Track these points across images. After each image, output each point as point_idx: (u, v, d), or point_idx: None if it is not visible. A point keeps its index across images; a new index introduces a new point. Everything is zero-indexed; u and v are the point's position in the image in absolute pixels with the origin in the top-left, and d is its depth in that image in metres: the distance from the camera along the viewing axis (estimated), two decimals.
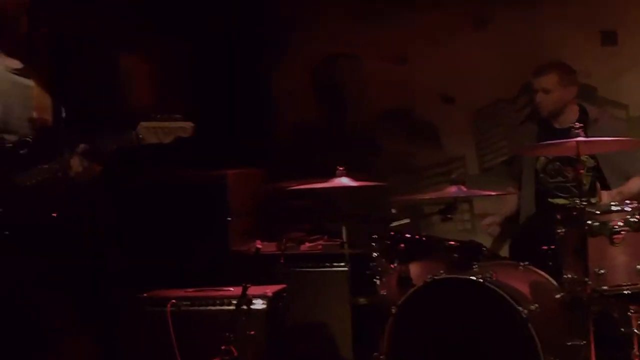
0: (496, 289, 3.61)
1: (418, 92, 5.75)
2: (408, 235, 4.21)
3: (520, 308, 3.53)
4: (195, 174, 5.08)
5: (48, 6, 3.22)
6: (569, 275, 3.61)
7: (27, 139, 3.09)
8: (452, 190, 4.16)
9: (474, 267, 3.90)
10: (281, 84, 6.00)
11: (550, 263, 3.93)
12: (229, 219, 4.99)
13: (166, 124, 3.00)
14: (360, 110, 5.89)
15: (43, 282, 3.01)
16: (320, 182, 4.40)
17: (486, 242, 4.82)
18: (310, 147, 5.84)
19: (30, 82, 3.10)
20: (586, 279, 3.48)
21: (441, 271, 3.86)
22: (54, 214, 3.06)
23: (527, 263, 3.98)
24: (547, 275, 3.90)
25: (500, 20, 5.54)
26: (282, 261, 4.55)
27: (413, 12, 5.66)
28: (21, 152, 3.08)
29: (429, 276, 3.79)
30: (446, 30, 5.64)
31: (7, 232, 2.93)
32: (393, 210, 4.41)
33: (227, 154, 5.24)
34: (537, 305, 3.65)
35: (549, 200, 4.84)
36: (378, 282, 4.09)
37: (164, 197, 4.94)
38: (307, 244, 4.98)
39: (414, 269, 4.07)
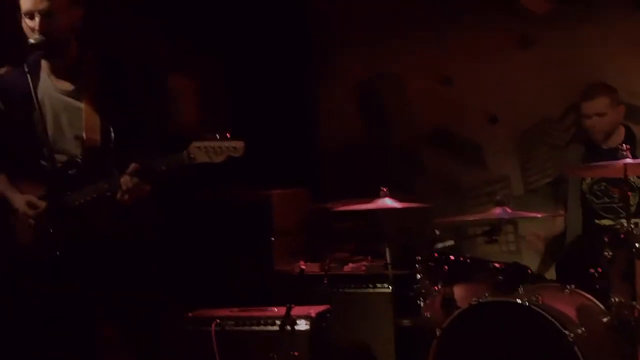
0: (542, 312, 3.57)
1: (462, 111, 5.73)
2: (452, 257, 4.18)
3: (566, 332, 3.48)
4: (241, 194, 5.12)
5: (97, 30, 3.28)
6: (617, 299, 3.56)
7: (77, 159, 3.15)
8: (497, 211, 4.13)
9: (519, 289, 3.85)
10: (327, 103, 6.03)
11: (597, 286, 3.87)
12: (273, 238, 5.02)
13: (217, 143, 3.00)
14: (405, 129, 5.88)
15: (92, 300, 3.05)
16: (364, 203, 4.40)
17: (531, 263, 4.77)
18: (355, 167, 5.85)
19: (80, 104, 3.15)
20: (634, 302, 3.43)
21: (486, 294, 3.83)
22: (103, 233, 3.11)
23: (573, 286, 3.92)
24: (594, 299, 3.84)
25: (544, 40, 5.51)
26: (325, 282, 4.55)
27: (458, 32, 5.65)
28: (70, 172, 3.13)
29: (473, 299, 3.76)
30: (491, 50, 5.62)
31: (57, 252, 2.98)
32: (437, 232, 4.40)
33: (272, 174, 5.27)
34: (583, 329, 3.60)
35: (596, 221, 4.78)
36: (422, 303, 4.07)
37: (210, 216, 4.99)
38: (351, 265, 4.98)
39: (458, 291, 4.04)
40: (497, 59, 5.60)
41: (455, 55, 5.71)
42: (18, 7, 3.08)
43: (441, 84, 5.78)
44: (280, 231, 5.08)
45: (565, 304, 3.80)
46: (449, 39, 5.69)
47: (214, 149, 3.01)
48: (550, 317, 3.54)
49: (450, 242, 4.32)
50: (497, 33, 5.61)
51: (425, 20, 5.77)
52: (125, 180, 3.02)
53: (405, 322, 4.37)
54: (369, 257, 5.05)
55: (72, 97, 3.17)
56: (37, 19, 3.03)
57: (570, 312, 3.75)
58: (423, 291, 4.08)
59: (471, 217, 4.65)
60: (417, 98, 5.84)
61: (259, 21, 5.73)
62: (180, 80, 5.35)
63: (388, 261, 4.47)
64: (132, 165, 3.02)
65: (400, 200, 4.38)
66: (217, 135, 3.03)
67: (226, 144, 3.01)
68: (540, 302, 3.66)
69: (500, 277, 4.04)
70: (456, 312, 3.79)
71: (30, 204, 3.12)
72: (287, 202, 5.23)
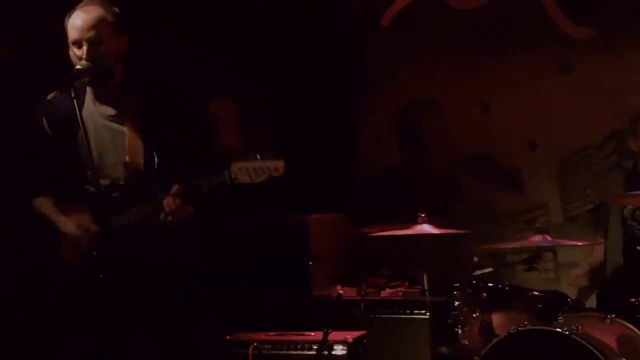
0: (583, 341, 3.53)
1: (501, 138, 5.71)
2: (491, 284, 4.15)
3: None
4: (279, 218, 5.14)
5: (141, 55, 3.34)
6: None
7: (120, 182, 3.19)
8: (537, 239, 4.09)
9: (559, 318, 3.81)
10: (366, 128, 6.05)
11: (639, 316, 3.82)
12: (311, 263, 5.03)
13: (258, 163, 3.00)
14: (444, 155, 5.88)
15: (133, 322, 3.08)
16: (402, 229, 4.40)
17: (571, 292, 4.71)
18: (393, 193, 5.85)
19: (123, 128, 3.20)
20: None
21: (525, 322, 3.79)
22: (146, 255, 3.15)
23: (614, 315, 3.87)
24: (635, 329, 3.79)
25: (585, 66, 5.49)
26: (362, 307, 4.54)
27: (497, 59, 5.66)
28: (114, 195, 3.18)
29: (513, 327, 3.72)
30: (531, 75, 5.61)
31: (101, 275, 3.01)
32: (475, 259, 4.37)
33: (311, 199, 5.29)
34: (624, 359, 3.54)
35: (637, 248, 4.72)
36: (460, 331, 4.04)
37: (249, 239, 5.02)
38: (388, 290, 4.97)
39: (497, 318, 4.00)
40: (537, 84, 5.59)
41: (494, 81, 5.71)
42: (65, 35, 3.15)
43: (480, 110, 5.78)
44: (317, 256, 5.09)
45: (605, 333, 3.74)
46: (488, 65, 5.69)
47: (255, 169, 3.00)
48: (590, 347, 3.50)
49: (489, 269, 4.29)
50: (537, 59, 5.60)
51: (464, 47, 5.79)
52: (168, 202, 3.04)
53: (443, 349, 4.34)
54: (406, 283, 5.04)
55: (116, 122, 3.22)
56: (84, 48, 3.10)
57: (611, 342, 3.70)
58: (461, 318, 4.06)
59: (510, 245, 4.62)
60: (456, 124, 5.83)
61: (301, 48, 5.80)
62: (222, 104, 5.42)
63: (426, 287, 4.45)
64: (175, 187, 3.04)
65: (438, 226, 4.36)
66: (257, 155, 3.04)
67: (267, 164, 3.00)
68: (580, 331, 3.61)
69: (540, 305, 4.00)
70: (494, 341, 3.76)
71: (80, 227, 3.17)
72: (325, 227, 5.24)
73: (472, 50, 5.75)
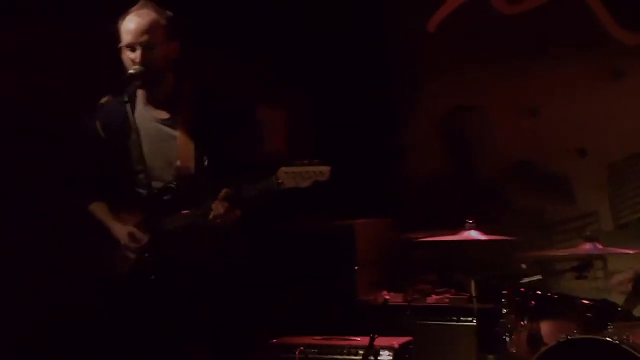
0: (633, 351, 3.48)
1: (549, 144, 5.65)
2: (539, 292, 4.10)
3: None
4: (325, 223, 5.15)
5: (193, 61, 3.38)
6: None
7: (171, 185, 3.23)
8: (587, 247, 4.04)
9: (608, 327, 3.76)
10: (410, 134, 6.04)
11: None
12: (356, 268, 5.03)
13: (304, 168, 3.03)
14: (490, 162, 5.83)
15: (182, 325, 3.11)
16: (449, 235, 4.38)
17: (621, 301, 4.64)
18: (439, 198, 5.82)
19: (175, 132, 3.24)
20: None
21: (574, 331, 3.75)
22: (195, 258, 3.18)
23: None
24: None
25: (634, 72, 5.40)
26: (408, 313, 4.53)
27: (545, 64, 5.60)
28: (165, 198, 3.22)
29: (561, 335, 3.69)
30: (579, 81, 5.54)
31: (152, 276, 3.06)
32: (523, 266, 4.34)
33: (356, 204, 5.30)
34: None
35: None
36: (507, 339, 4.00)
37: (295, 244, 5.04)
38: (434, 297, 4.95)
39: (545, 327, 3.96)
40: (586, 90, 5.52)
41: (542, 88, 5.65)
42: (119, 38, 3.20)
43: (527, 117, 5.72)
44: (363, 261, 5.09)
45: None
46: (536, 71, 5.64)
47: (301, 173, 3.04)
48: None
49: (537, 277, 4.25)
50: (585, 64, 5.53)
51: (511, 52, 5.74)
52: (217, 206, 3.08)
53: (490, 357, 4.31)
54: (453, 290, 5.01)
55: (168, 126, 3.26)
56: (137, 51, 3.14)
57: None
58: (509, 326, 4.02)
59: (559, 252, 4.57)
60: (502, 130, 5.78)
61: (347, 54, 5.81)
62: (269, 110, 5.46)
63: (473, 294, 4.42)
64: (224, 191, 3.08)
65: (486, 232, 4.34)
66: (304, 160, 3.06)
67: (312, 168, 3.04)
68: (631, 340, 3.56)
69: (589, 314, 3.94)
70: (543, 349, 3.72)
71: (132, 237, 3.22)
72: (370, 232, 5.24)
73: (519, 55, 5.70)
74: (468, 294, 4.60)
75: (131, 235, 3.21)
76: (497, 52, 5.79)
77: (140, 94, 3.29)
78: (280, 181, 3.05)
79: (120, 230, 3.25)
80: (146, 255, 3.17)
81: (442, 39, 5.97)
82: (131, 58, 3.16)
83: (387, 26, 6.10)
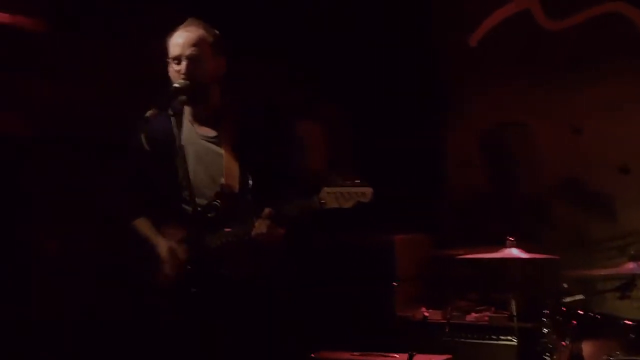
0: None
1: (593, 162, 5.58)
2: (581, 312, 4.06)
3: None
4: (364, 238, 5.15)
5: (238, 78, 3.41)
6: None
7: (216, 203, 3.26)
8: (630, 266, 4.00)
9: None
10: (451, 150, 6.01)
11: None
12: (395, 284, 5.02)
13: (347, 189, 3.06)
14: (532, 179, 5.78)
15: (224, 338, 3.13)
16: (490, 252, 4.35)
17: None
18: (480, 215, 5.79)
19: (220, 150, 3.27)
20: None
21: (617, 352, 3.70)
22: (237, 274, 3.20)
23: None
24: None
25: None
26: (447, 330, 4.50)
27: (590, 81, 5.54)
28: (209, 215, 3.25)
29: (603, 356, 3.65)
30: (625, 99, 5.47)
31: (194, 290, 3.08)
32: (565, 285, 4.29)
33: (396, 219, 5.28)
34: None
35: None
36: (548, 359, 3.96)
37: (334, 259, 5.04)
38: (474, 314, 4.91)
39: (587, 347, 3.92)
40: (632, 108, 5.45)
41: (586, 105, 5.59)
42: (166, 53, 3.25)
43: (571, 133, 5.66)
44: (402, 277, 5.08)
45: None
46: (581, 88, 5.58)
47: (344, 194, 3.07)
48: None
49: (580, 296, 4.21)
50: (631, 82, 5.46)
51: (555, 68, 5.70)
52: (260, 225, 3.10)
53: None
54: (493, 308, 4.97)
55: (213, 143, 3.29)
56: (183, 64, 3.19)
57: None
58: (550, 346, 3.99)
59: (602, 272, 4.51)
60: (545, 147, 5.73)
61: (388, 69, 5.81)
62: (309, 127, 5.48)
63: (513, 313, 4.39)
64: (267, 210, 3.10)
65: (527, 250, 4.30)
66: (346, 179, 3.08)
67: (355, 189, 3.07)
68: None
69: (632, 335, 3.89)
70: None
71: (172, 252, 3.24)
72: (410, 248, 5.23)
73: (563, 72, 5.65)
74: (508, 313, 4.56)
75: (171, 251, 3.23)
76: (541, 69, 5.75)
77: (187, 111, 3.33)
78: (323, 201, 3.09)
79: (162, 247, 3.28)
80: (188, 267, 3.20)
81: (486, 54, 5.95)
82: (177, 70, 3.21)
83: (431, 41, 6.10)
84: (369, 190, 3.08)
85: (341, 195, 3.07)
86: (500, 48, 5.90)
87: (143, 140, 3.36)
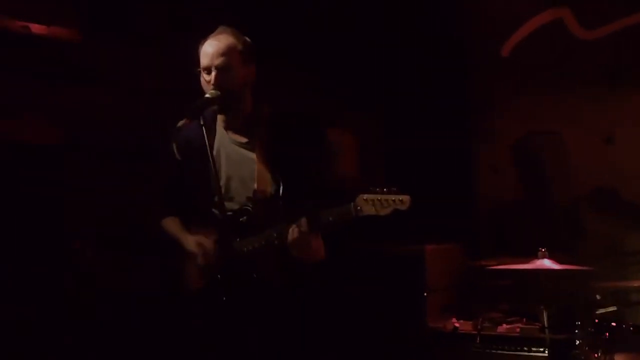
0: None
1: (626, 172, 5.52)
2: (614, 324, 4.02)
3: None
4: (394, 248, 5.14)
5: (269, 85, 3.43)
6: None
7: (247, 207, 3.27)
8: None
9: None
10: (483, 159, 5.99)
11: None
12: (426, 294, 5.00)
13: (384, 196, 2.99)
14: (564, 189, 5.73)
15: (255, 345, 3.14)
16: (521, 263, 4.32)
17: None
18: (512, 226, 5.75)
19: (253, 156, 3.28)
20: None
21: None
22: (269, 280, 3.21)
23: None
24: None
25: None
26: (478, 341, 4.47)
27: (623, 90, 5.49)
28: (241, 219, 3.26)
29: None
30: None
31: (224, 297, 3.09)
32: (597, 297, 4.25)
33: (428, 228, 5.26)
34: None
35: None
36: None
37: (363, 268, 5.04)
38: (505, 326, 4.86)
39: None
40: None
41: (619, 114, 5.54)
42: (198, 63, 3.27)
43: (604, 143, 5.61)
44: (433, 287, 5.05)
45: None
46: (614, 97, 5.54)
47: (381, 201, 2.99)
48: None
49: (612, 308, 4.16)
50: None
51: (588, 77, 5.65)
52: (294, 231, 3.09)
53: None
54: (524, 319, 4.92)
55: (245, 149, 3.31)
56: (213, 74, 3.21)
57: None
58: (582, 358, 3.95)
59: (636, 283, 4.46)
60: (578, 157, 5.68)
61: (420, 78, 5.81)
62: (340, 134, 5.49)
63: (545, 324, 4.34)
64: (303, 219, 3.08)
65: (559, 261, 4.26)
66: (384, 188, 3.03)
67: (393, 197, 2.99)
68: None
69: None
70: None
71: (199, 244, 3.26)
72: (440, 258, 5.20)
73: (596, 81, 5.61)
74: (540, 324, 4.52)
75: (200, 245, 3.25)
76: (573, 78, 5.71)
77: (219, 118, 3.35)
78: (359, 208, 3.00)
79: (189, 240, 3.30)
80: (219, 275, 3.21)
81: (518, 64, 5.92)
82: (207, 80, 3.23)
83: (463, 50, 6.09)
84: (406, 198, 2.99)
85: (378, 202, 2.99)
86: (532, 57, 5.87)
87: (175, 149, 3.39)
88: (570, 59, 5.72)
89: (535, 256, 4.32)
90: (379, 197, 2.99)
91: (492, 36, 6.03)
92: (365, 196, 2.99)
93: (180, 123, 3.19)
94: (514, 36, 5.94)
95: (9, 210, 4.23)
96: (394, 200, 2.98)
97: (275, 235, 3.14)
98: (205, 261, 3.24)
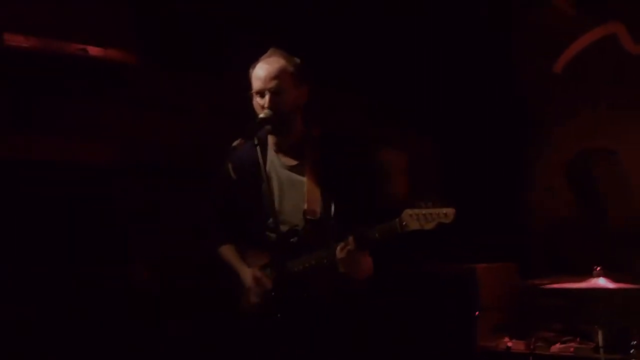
0: None
1: None
2: None
3: None
4: (446, 266, 5.12)
5: (319, 106, 3.46)
6: None
7: (298, 228, 3.30)
8: None
9: None
10: (536, 178, 5.94)
11: None
12: (478, 313, 4.97)
13: (428, 210, 3.01)
14: (620, 207, 5.65)
15: None
16: (576, 282, 4.26)
17: None
18: (566, 244, 5.68)
19: (302, 178, 3.31)
20: None
21: None
22: (320, 299, 3.23)
23: None
24: None
25: None
26: None
27: None
28: (291, 240, 3.30)
29: None
30: None
31: (279, 314, 3.12)
32: None
33: (481, 247, 5.24)
34: None
35: None
36: None
37: (414, 286, 5.03)
38: (558, 345, 4.81)
39: None
40: None
41: None
42: (250, 86, 3.33)
43: None
44: (485, 306, 5.02)
45: None
46: None
47: (425, 215, 3.01)
48: None
49: None
50: None
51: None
52: (342, 250, 3.12)
53: None
54: (578, 339, 4.86)
55: (296, 172, 3.34)
56: (266, 97, 3.25)
57: None
58: None
59: None
60: (634, 175, 5.61)
61: (471, 97, 5.80)
62: (391, 154, 5.50)
63: (600, 344, 4.28)
64: (350, 237, 3.11)
65: (614, 280, 4.20)
66: (428, 202, 3.04)
67: (437, 210, 3.01)
68: None
69: None
70: None
71: (257, 281, 3.30)
72: (493, 277, 5.17)
73: None
74: (594, 344, 4.45)
75: (257, 280, 3.29)
76: (628, 94, 5.64)
77: (270, 140, 3.39)
78: (404, 223, 3.04)
79: (247, 274, 3.34)
80: (272, 293, 3.25)
81: (572, 80, 5.87)
82: (260, 104, 3.27)
83: (515, 68, 6.06)
84: (451, 211, 3.00)
85: (423, 217, 3.01)
86: (586, 74, 5.82)
87: (230, 169, 3.44)
88: (625, 75, 5.66)
89: (590, 275, 4.26)
90: (423, 211, 3.01)
91: (545, 53, 5.99)
92: (411, 211, 3.03)
93: (235, 143, 3.24)
94: (566, 53, 5.89)
95: (68, 230, 4.33)
96: (438, 214, 3.00)
97: (324, 254, 3.17)
98: (259, 298, 3.28)
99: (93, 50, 4.57)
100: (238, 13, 5.04)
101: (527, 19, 6.09)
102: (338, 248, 3.13)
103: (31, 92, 4.30)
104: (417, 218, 3.02)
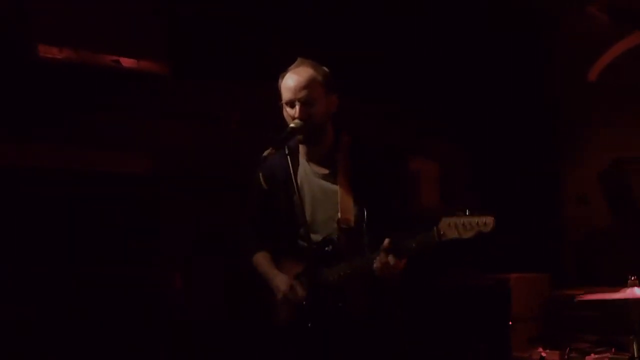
0: None
1: None
2: None
3: None
4: (478, 277, 5.09)
5: (349, 115, 3.45)
6: None
7: (333, 237, 3.28)
8: None
9: None
10: (570, 188, 5.88)
11: None
12: (511, 323, 4.92)
13: (467, 218, 2.91)
14: None
15: None
16: (610, 292, 4.21)
17: None
18: (600, 254, 5.62)
19: (335, 187, 3.28)
20: None
21: None
22: (355, 309, 3.22)
23: None
24: None
25: None
26: None
27: None
28: (326, 249, 3.28)
29: None
30: None
31: (309, 324, 3.11)
32: None
33: (514, 257, 5.20)
34: None
35: None
36: None
37: (447, 296, 5.00)
38: (593, 356, 4.74)
39: None
40: None
41: None
42: (279, 96, 3.33)
43: None
44: (518, 316, 4.97)
45: None
46: None
47: (464, 224, 2.91)
48: None
49: None
50: None
51: None
52: (380, 259, 3.09)
53: None
54: (613, 349, 4.79)
55: (328, 181, 3.32)
56: (297, 107, 3.24)
57: None
58: None
59: None
60: None
61: (504, 106, 5.76)
62: (423, 163, 5.48)
63: (635, 354, 4.22)
64: (387, 241, 3.07)
65: None
66: (466, 211, 2.95)
67: (476, 219, 2.90)
68: None
69: None
70: None
71: (292, 290, 3.28)
72: (526, 287, 5.13)
73: None
74: (629, 354, 4.39)
75: (292, 289, 3.29)
76: None
77: (302, 150, 3.38)
78: (442, 232, 2.94)
79: (282, 283, 3.33)
80: (304, 302, 3.24)
81: (606, 89, 5.82)
82: (291, 114, 3.26)
83: (549, 76, 6.02)
84: (490, 220, 2.88)
85: (461, 225, 2.90)
86: (620, 82, 5.76)
87: (261, 178, 3.44)
88: None
89: (625, 285, 4.21)
90: (462, 220, 2.91)
91: (578, 62, 5.95)
92: (448, 220, 2.93)
93: (266, 152, 3.24)
94: (600, 61, 5.84)
95: (105, 238, 4.37)
96: (477, 223, 2.89)
97: (360, 264, 3.15)
98: (294, 307, 3.27)
99: (126, 62, 4.61)
100: (270, 22, 5.07)
101: (561, 28, 6.05)
102: (377, 259, 3.09)
103: (65, 103, 4.34)
104: (455, 227, 2.93)
